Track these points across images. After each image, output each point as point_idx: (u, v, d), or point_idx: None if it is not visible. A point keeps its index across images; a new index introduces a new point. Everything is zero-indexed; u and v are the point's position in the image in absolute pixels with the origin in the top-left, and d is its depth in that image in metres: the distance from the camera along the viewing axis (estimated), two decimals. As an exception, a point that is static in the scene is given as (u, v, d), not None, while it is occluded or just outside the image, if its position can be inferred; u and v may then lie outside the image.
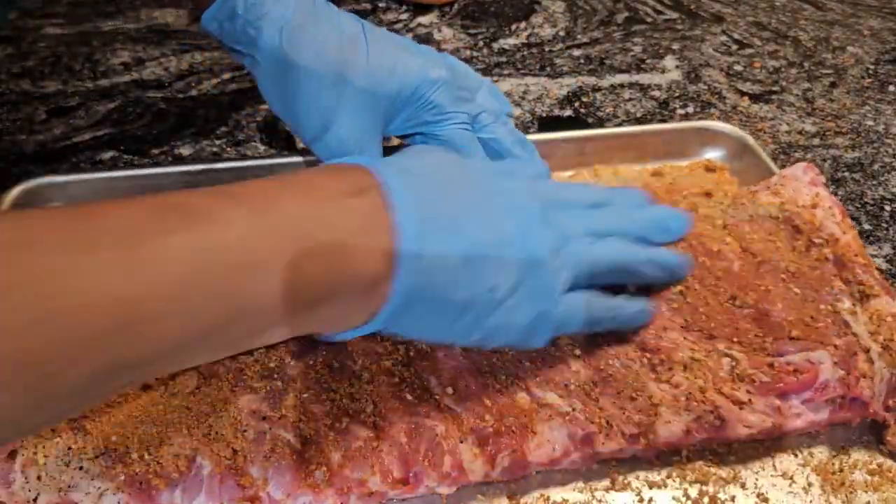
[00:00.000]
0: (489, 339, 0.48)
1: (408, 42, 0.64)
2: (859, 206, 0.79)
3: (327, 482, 0.49)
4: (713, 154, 0.80)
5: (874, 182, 0.82)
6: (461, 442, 0.50)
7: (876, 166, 0.85)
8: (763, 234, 0.63)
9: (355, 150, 0.60)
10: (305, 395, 0.52)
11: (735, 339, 0.56)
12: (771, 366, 0.54)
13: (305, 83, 0.58)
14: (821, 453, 0.55)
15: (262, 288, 0.39)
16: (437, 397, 0.53)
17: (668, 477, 0.53)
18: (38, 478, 0.48)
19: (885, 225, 0.76)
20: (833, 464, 0.54)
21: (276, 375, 0.53)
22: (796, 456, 0.55)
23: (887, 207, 0.79)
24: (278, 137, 0.85)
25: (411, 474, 0.49)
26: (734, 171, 0.79)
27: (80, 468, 0.48)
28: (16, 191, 0.68)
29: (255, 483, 0.48)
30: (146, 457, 0.48)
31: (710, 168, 0.79)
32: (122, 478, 0.48)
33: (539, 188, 0.53)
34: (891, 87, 0.97)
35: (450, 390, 0.53)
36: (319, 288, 0.41)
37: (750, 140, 0.79)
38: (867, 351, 0.55)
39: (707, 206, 0.67)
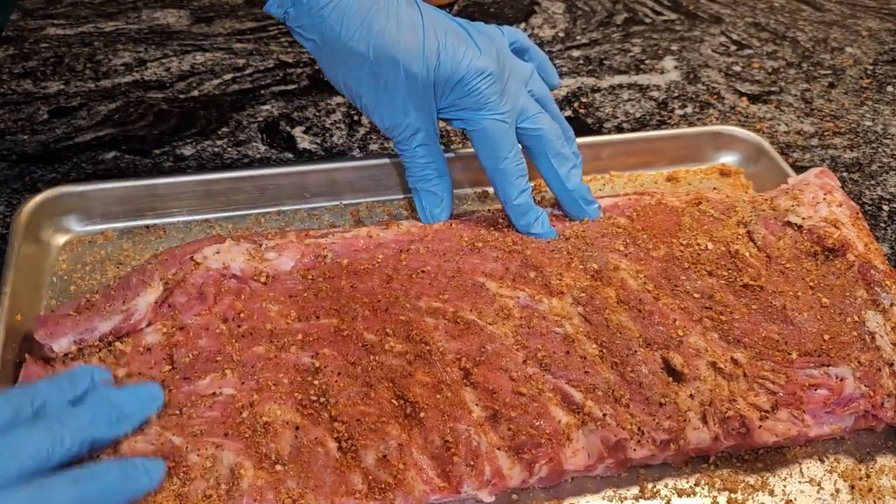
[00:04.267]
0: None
1: (466, 27, 0.68)
2: (858, 205, 0.81)
3: (367, 488, 0.50)
4: (728, 158, 0.83)
5: (872, 182, 0.85)
6: (498, 449, 0.52)
7: (874, 166, 0.87)
8: (788, 241, 0.64)
9: (410, 132, 0.65)
10: (343, 397, 0.53)
11: (759, 347, 0.57)
12: (794, 380, 0.56)
13: (365, 69, 0.63)
14: (847, 459, 0.57)
15: None
16: (471, 405, 0.54)
17: (697, 485, 0.55)
18: None
19: (883, 225, 0.79)
20: (860, 469, 0.56)
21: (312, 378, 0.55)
22: (823, 462, 0.57)
23: (885, 207, 0.82)
24: (279, 138, 0.86)
25: (453, 479, 0.51)
26: (749, 175, 0.82)
27: None
28: (37, 199, 0.68)
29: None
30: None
31: (724, 172, 0.82)
32: None
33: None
34: (889, 88, 1.00)
35: (484, 398, 0.54)
36: None
37: (765, 144, 0.82)
38: (891, 365, 0.57)
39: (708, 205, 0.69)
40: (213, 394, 0.53)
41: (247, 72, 0.95)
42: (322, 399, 0.53)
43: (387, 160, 0.77)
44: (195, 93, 0.91)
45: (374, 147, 0.84)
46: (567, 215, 0.69)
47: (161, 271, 0.60)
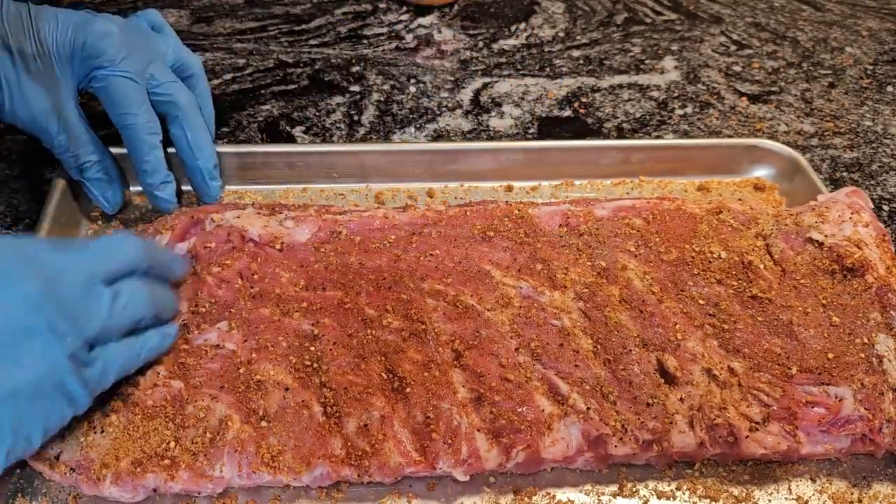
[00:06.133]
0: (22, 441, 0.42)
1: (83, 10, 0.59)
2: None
3: (344, 455, 0.47)
4: (762, 172, 0.75)
5: (872, 182, 0.76)
6: (478, 431, 0.48)
7: (874, 166, 0.79)
8: (807, 257, 0.57)
9: (48, 118, 0.58)
10: (335, 366, 0.50)
11: (758, 359, 0.51)
12: (790, 395, 0.48)
13: None
14: (840, 482, 0.49)
15: None
16: (457, 386, 0.50)
17: (678, 489, 0.49)
18: (62, 437, 0.46)
19: (883, 225, 0.76)
20: (852, 493, 0.49)
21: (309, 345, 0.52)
22: (814, 482, 0.50)
23: (885, 207, 0.73)
24: (279, 137, 0.80)
25: (429, 454, 0.47)
26: (783, 191, 0.73)
27: (101, 431, 0.47)
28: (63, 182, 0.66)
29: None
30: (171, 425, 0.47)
31: (759, 186, 0.74)
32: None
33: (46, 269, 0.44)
34: (889, 88, 0.90)
35: (472, 380, 0.50)
36: None
37: (802, 161, 0.72)
38: (895, 390, 0.49)
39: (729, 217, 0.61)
40: (218, 346, 0.53)
41: (247, 72, 0.89)
42: (315, 365, 0.50)
43: (414, 147, 0.74)
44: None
45: (374, 146, 0.79)
46: (193, 188, 0.65)
47: (182, 227, 0.58)
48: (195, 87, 0.67)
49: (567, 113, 0.85)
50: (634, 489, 0.49)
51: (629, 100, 0.87)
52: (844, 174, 0.77)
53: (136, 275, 0.48)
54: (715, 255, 0.58)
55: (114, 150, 0.66)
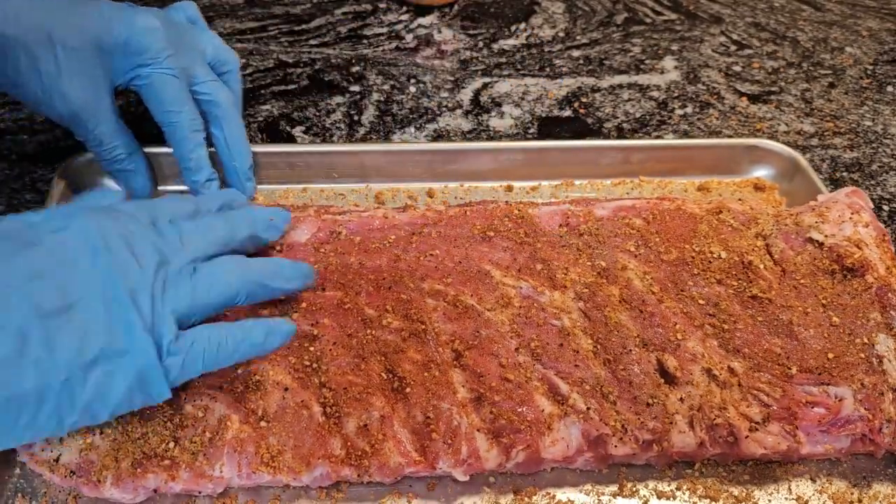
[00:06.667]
0: (98, 414, 0.40)
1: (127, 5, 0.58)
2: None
3: (344, 455, 0.47)
4: (763, 172, 0.75)
5: (872, 182, 0.76)
6: (478, 431, 0.48)
7: (874, 166, 0.78)
8: (806, 257, 0.56)
9: (85, 112, 0.57)
10: (334, 366, 0.50)
11: (759, 359, 0.51)
12: (790, 395, 0.48)
13: (17, 54, 0.53)
14: (840, 482, 0.49)
15: None
16: (457, 386, 0.50)
17: (679, 489, 0.49)
18: (60, 440, 0.46)
19: (883, 224, 0.76)
20: (852, 493, 0.49)
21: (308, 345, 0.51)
22: (814, 482, 0.49)
23: (885, 207, 0.73)
24: (279, 137, 0.80)
25: (429, 454, 0.47)
26: (783, 191, 0.73)
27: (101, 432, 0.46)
28: (72, 163, 0.68)
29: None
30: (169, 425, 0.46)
31: (759, 187, 0.73)
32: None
33: (123, 216, 0.44)
34: (889, 88, 0.90)
35: (471, 380, 0.50)
36: None
37: (802, 161, 0.72)
38: (895, 390, 0.49)
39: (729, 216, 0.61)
40: None
41: (247, 72, 0.88)
42: (315, 365, 0.50)
43: (415, 147, 0.74)
44: (196, 92, 0.93)
45: (375, 146, 0.78)
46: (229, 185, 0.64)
47: None
48: (232, 84, 0.67)
49: (567, 113, 0.85)
50: (634, 489, 0.49)
51: (629, 100, 0.87)
52: (844, 174, 0.77)
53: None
54: (715, 255, 0.58)
55: (149, 149, 0.67)
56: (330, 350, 0.52)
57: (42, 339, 0.37)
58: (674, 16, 1.07)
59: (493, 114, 0.84)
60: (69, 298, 0.38)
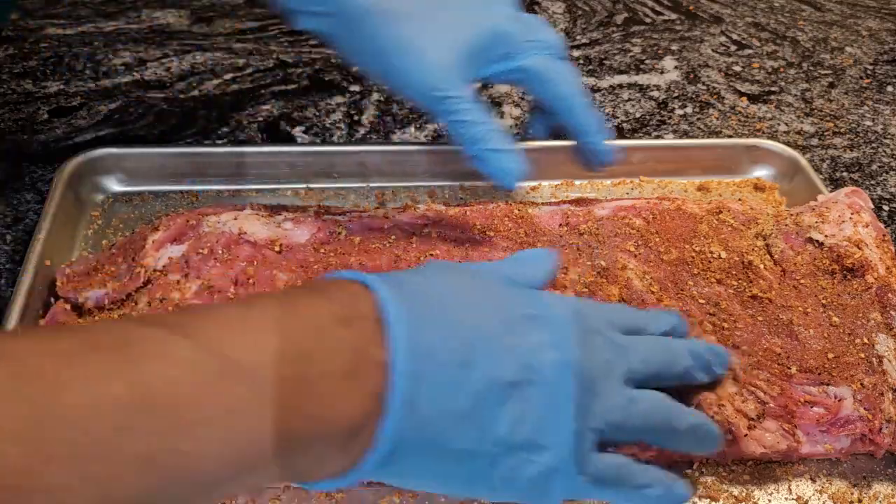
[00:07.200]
0: (493, 494, 0.38)
1: None
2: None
3: None
4: (763, 172, 0.75)
5: (872, 182, 0.76)
6: None
7: (874, 166, 0.79)
8: (807, 257, 0.56)
9: (443, 85, 0.54)
10: None
11: (758, 357, 0.50)
12: (788, 393, 0.48)
13: (388, 28, 0.54)
14: (840, 482, 0.49)
15: (203, 445, 0.29)
16: None
17: None
18: None
19: (883, 224, 0.76)
20: (852, 493, 0.48)
21: None
22: (814, 482, 0.49)
23: (885, 207, 0.73)
24: (279, 138, 0.80)
25: None
26: (783, 191, 0.73)
27: None
28: (73, 163, 0.68)
29: None
30: None
31: (759, 187, 0.73)
32: None
33: (571, 305, 0.40)
34: (889, 88, 0.90)
35: None
36: (285, 437, 0.31)
37: (802, 161, 0.72)
38: (895, 390, 0.49)
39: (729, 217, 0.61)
40: None
41: (247, 72, 0.89)
42: None
43: (415, 147, 0.73)
44: (195, 93, 0.86)
45: (373, 147, 0.78)
46: (587, 161, 0.61)
47: (176, 228, 0.57)
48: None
49: (567, 113, 0.84)
50: (632, 489, 0.48)
51: (629, 100, 0.87)
52: (844, 174, 0.77)
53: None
54: (715, 255, 0.58)
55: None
56: None
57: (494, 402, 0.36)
58: (674, 16, 1.07)
59: (493, 114, 0.84)
60: (526, 375, 0.36)
